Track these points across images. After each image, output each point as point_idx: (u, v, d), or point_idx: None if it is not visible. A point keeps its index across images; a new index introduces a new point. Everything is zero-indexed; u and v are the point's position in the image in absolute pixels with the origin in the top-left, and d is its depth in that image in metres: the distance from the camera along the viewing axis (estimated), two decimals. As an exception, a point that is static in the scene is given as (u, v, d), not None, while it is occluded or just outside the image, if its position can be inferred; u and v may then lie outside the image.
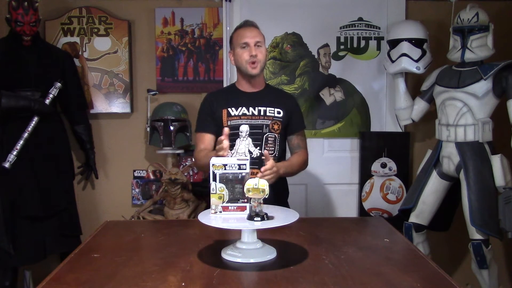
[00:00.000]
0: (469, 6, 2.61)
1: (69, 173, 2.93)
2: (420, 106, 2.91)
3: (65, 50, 3.03)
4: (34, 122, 2.65)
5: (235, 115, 2.18)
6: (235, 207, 1.60)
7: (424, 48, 2.82)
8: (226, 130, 1.87)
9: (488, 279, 2.54)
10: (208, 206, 1.85)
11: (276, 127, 2.20)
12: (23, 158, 2.63)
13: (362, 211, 3.17)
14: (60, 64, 2.83)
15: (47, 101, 2.70)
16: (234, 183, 1.58)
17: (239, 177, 1.58)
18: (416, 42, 2.81)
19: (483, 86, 2.54)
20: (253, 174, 1.79)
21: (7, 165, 2.59)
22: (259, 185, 1.49)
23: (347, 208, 3.25)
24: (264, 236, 1.67)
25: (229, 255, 1.56)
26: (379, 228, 2.06)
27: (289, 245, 1.74)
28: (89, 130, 3.05)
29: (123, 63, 3.10)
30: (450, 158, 2.64)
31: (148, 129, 3.01)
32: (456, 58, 2.64)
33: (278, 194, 2.21)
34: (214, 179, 1.58)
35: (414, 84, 3.12)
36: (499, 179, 2.50)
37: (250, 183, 1.50)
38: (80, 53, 3.09)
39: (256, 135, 2.16)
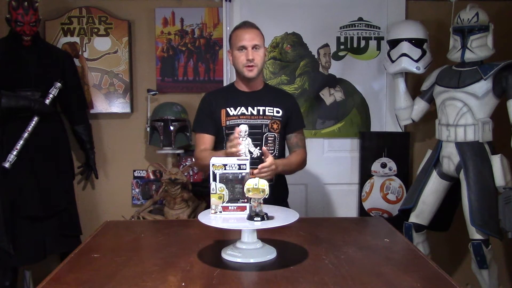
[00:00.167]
0: (469, 6, 2.61)
1: (69, 173, 2.93)
2: (420, 106, 2.91)
3: (65, 50, 3.03)
4: (34, 122, 2.65)
5: (233, 115, 2.18)
6: (235, 207, 1.60)
7: (424, 48, 2.82)
8: (239, 128, 1.88)
9: (488, 279, 2.54)
10: (208, 206, 1.85)
11: (275, 126, 2.20)
12: (23, 158, 2.63)
13: (362, 211, 3.17)
14: (60, 64, 2.83)
15: (47, 101, 2.70)
16: (234, 183, 1.58)
17: (239, 177, 1.58)
18: (416, 42, 2.81)
19: (483, 86, 2.54)
20: (253, 175, 1.79)
21: (7, 165, 2.59)
22: (259, 185, 1.49)
23: (347, 208, 3.24)
24: (264, 236, 1.67)
25: (229, 255, 1.56)
26: (379, 228, 2.06)
27: (289, 245, 1.74)
28: (89, 130, 3.05)
29: (123, 63, 3.10)
30: (450, 158, 2.64)
31: (148, 129, 3.01)
32: (456, 58, 2.64)
33: (278, 194, 2.21)
34: (214, 179, 1.58)
35: (414, 84, 3.12)
36: (499, 179, 2.50)
37: (250, 183, 1.50)
38: (80, 53, 3.08)
39: (256, 135, 2.16)
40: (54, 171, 2.75)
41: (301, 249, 1.68)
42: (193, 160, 2.25)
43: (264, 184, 1.49)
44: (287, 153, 2.34)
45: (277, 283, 1.38)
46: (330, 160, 3.24)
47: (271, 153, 2.15)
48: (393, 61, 2.86)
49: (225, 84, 3.06)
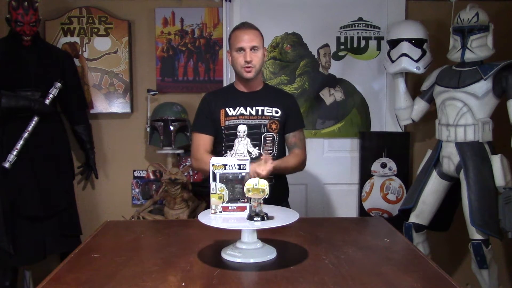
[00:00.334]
0: (469, 6, 2.61)
1: (69, 173, 2.93)
2: (420, 106, 2.91)
3: (65, 50, 3.03)
4: (34, 122, 2.65)
5: (232, 115, 2.18)
6: (235, 207, 1.60)
7: (424, 48, 2.82)
8: (266, 156, 1.95)
9: (488, 279, 2.54)
10: (208, 206, 1.85)
11: (274, 126, 2.20)
12: (23, 158, 2.63)
13: (362, 211, 3.17)
14: (60, 64, 2.83)
15: (47, 101, 2.70)
16: (234, 183, 1.58)
17: (239, 177, 1.58)
18: (416, 42, 2.81)
19: (483, 86, 2.54)
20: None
21: (7, 165, 2.59)
22: (259, 185, 1.49)
23: (347, 208, 3.24)
24: (264, 236, 1.67)
25: (229, 255, 1.56)
26: (379, 228, 2.06)
27: (289, 245, 1.74)
28: (89, 130, 3.05)
29: (123, 63, 3.10)
30: (450, 158, 2.64)
31: (148, 129, 3.01)
32: (456, 58, 2.64)
33: (278, 194, 2.21)
34: (214, 179, 1.58)
35: (414, 84, 3.12)
36: (499, 179, 2.50)
37: (250, 183, 1.50)
38: (80, 53, 3.08)
39: (254, 135, 2.16)
40: (54, 171, 2.75)
41: (301, 249, 1.68)
42: (192, 159, 2.23)
43: (264, 184, 1.49)
44: (287, 153, 2.33)
45: (277, 283, 1.38)
46: (330, 160, 3.24)
47: (270, 153, 2.15)
48: (393, 61, 2.86)
49: (225, 84, 3.07)
